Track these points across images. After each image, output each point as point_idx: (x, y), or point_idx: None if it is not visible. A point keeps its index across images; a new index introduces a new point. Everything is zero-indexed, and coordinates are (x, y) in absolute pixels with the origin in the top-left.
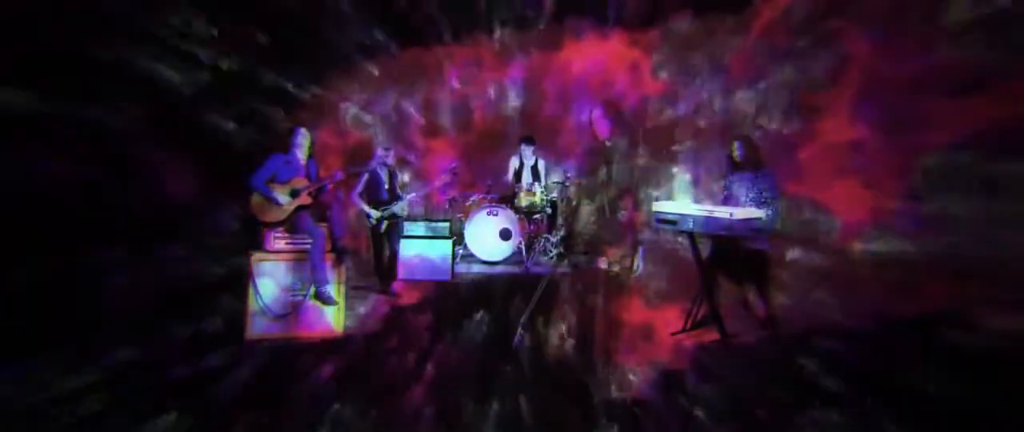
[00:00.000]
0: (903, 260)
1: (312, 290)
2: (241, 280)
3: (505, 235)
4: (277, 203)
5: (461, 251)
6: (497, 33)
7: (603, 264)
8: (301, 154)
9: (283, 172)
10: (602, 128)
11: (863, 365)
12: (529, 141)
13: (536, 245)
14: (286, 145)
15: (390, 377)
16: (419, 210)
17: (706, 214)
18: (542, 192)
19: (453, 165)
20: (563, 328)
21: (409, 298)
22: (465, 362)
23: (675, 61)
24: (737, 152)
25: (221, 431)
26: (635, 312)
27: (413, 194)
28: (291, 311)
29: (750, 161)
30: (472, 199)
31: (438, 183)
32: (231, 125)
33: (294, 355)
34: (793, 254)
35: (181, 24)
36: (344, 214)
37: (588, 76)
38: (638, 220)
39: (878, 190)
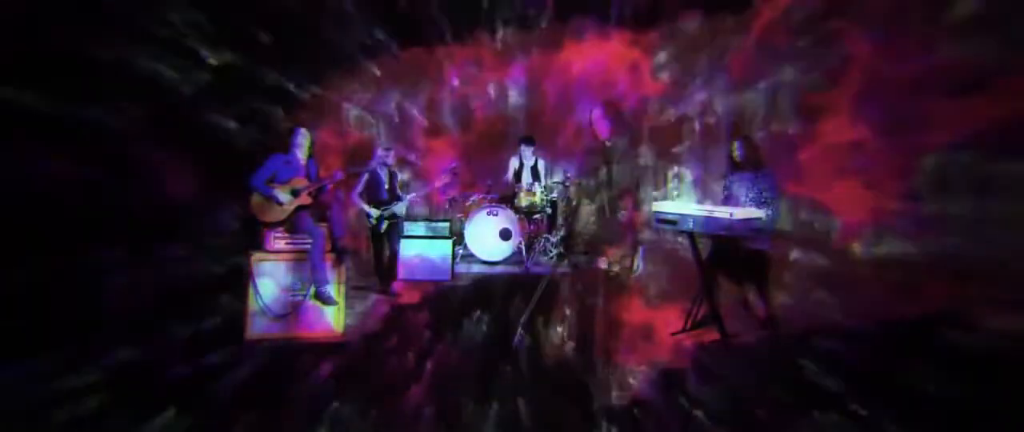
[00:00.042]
0: (903, 260)
1: (312, 290)
2: (241, 280)
3: (505, 235)
4: (278, 202)
5: (461, 251)
6: (498, 33)
7: (603, 264)
8: (301, 154)
9: (283, 172)
10: (602, 128)
11: (863, 365)
12: (529, 141)
13: (536, 245)
14: (286, 145)
15: (390, 377)
16: (423, 210)
17: (706, 214)
18: (542, 192)
19: (453, 165)
20: (563, 328)
21: (409, 298)
22: (465, 362)
23: (676, 61)
24: (737, 152)
25: (221, 431)
26: (635, 312)
27: (413, 194)
28: (291, 311)
29: (750, 161)
30: (472, 199)
31: (438, 184)
32: (232, 124)
33: (294, 355)
34: (793, 254)
35: (181, 23)
36: (344, 214)
37: (589, 76)
38: (638, 220)
39: (878, 190)
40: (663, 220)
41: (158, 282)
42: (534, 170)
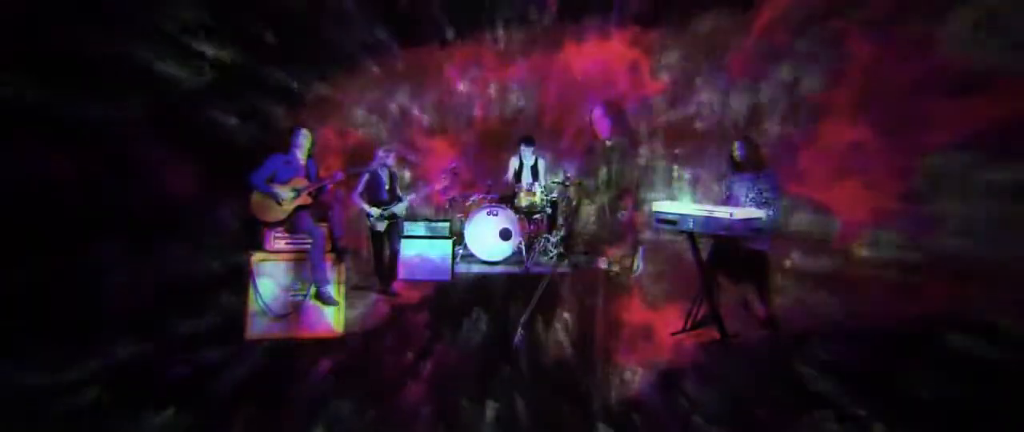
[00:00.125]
0: (903, 260)
1: (312, 290)
2: (241, 279)
3: (505, 235)
4: (279, 199)
5: (461, 251)
6: (500, 33)
7: (603, 264)
8: (301, 154)
9: (283, 172)
10: (602, 127)
11: (863, 366)
12: (529, 141)
13: (536, 245)
14: (286, 145)
15: (390, 377)
16: (429, 210)
17: (706, 214)
18: (542, 192)
19: (453, 165)
20: (563, 328)
21: (409, 298)
22: (465, 362)
23: (677, 61)
24: (738, 152)
25: (221, 430)
26: (635, 312)
27: (413, 195)
28: (291, 311)
29: (751, 161)
30: (472, 199)
31: (438, 186)
32: (232, 122)
33: (294, 355)
34: (793, 255)
35: (183, 20)
36: (344, 214)
37: (590, 76)
38: (638, 220)
39: (879, 191)
40: (663, 220)
41: (158, 280)
42: (534, 170)
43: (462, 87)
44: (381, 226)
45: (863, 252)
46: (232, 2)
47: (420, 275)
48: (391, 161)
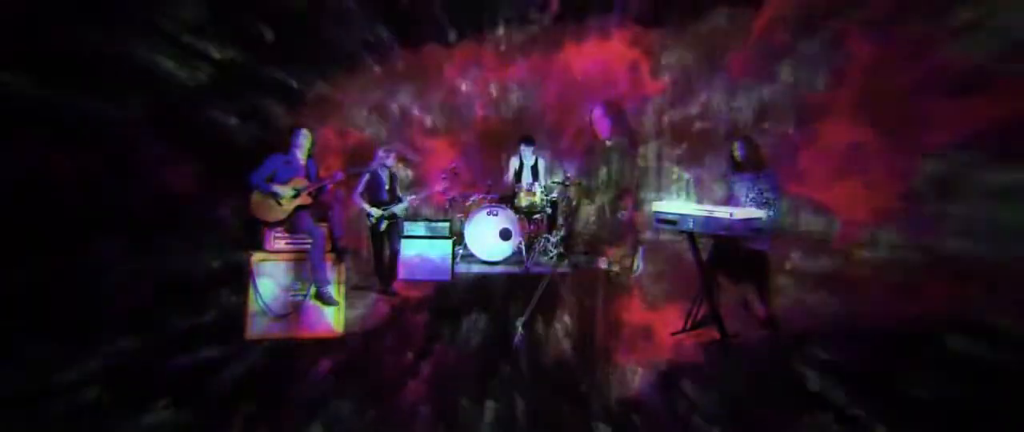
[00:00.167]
0: (903, 261)
1: (313, 290)
2: (241, 277)
3: (505, 235)
4: (279, 197)
5: (461, 251)
6: (500, 32)
7: (603, 264)
8: (301, 155)
9: (282, 172)
10: (602, 127)
11: (863, 366)
12: (528, 141)
13: (536, 245)
14: (286, 144)
15: (390, 377)
16: (428, 210)
17: (706, 214)
18: (542, 192)
19: (452, 165)
20: (563, 328)
21: (409, 298)
22: (465, 362)
23: (677, 61)
24: (738, 152)
25: (221, 430)
26: (635, 312)
27: (413, 197)
28: (291, 311)
29: (751, 161)
30: (472, 199)
31: (438, 188)
32: (233, 121)
33: (294, 354)
34: (794, 255)
35: (183, 19)
36: (344, 214)
37: (590, 76)
38: (638, 220)
39: (879, 191)
40: (663, 220)
41: (158, 279)
42: (534, 170)
43: (462, 87)
44: (382, 226)
45: (863, 252)
46: (232, 1)
47: (420, 275)
48: (391, 161)
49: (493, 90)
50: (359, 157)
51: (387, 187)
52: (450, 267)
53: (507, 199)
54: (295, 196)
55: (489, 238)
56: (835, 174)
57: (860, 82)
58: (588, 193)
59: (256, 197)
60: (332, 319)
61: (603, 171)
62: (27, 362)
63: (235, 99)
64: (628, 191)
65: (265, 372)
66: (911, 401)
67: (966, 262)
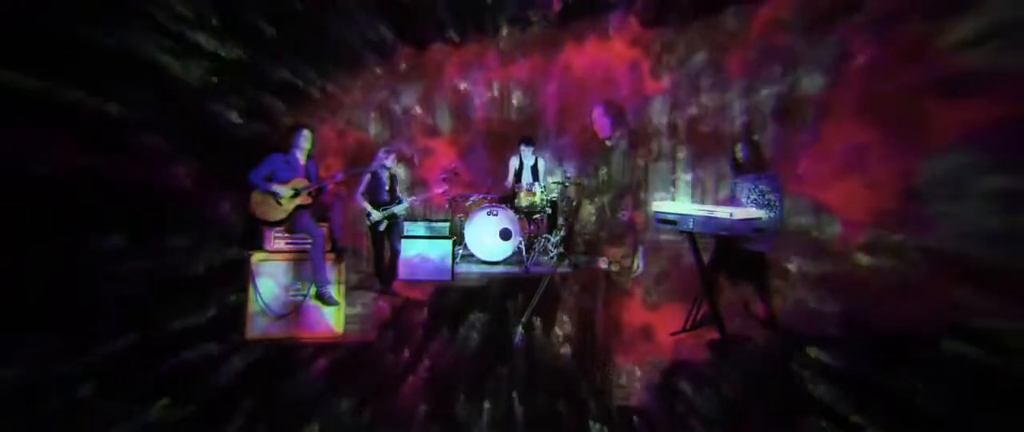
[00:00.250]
0: (904, 262)
1: (312, 290)
2: (240, 274)
3: (505, 235)
4: (278, 197)
5: (461, 251)
6: (501, 32)
7: (603, 264)
8: (301, 155)
9: (282, 172)
10: (602, 128)
11: (863, 367)
12: (528, 141)
13: (536, 245)
14: (287, 144)
15: (389, 377)
16: (435, 210)
17: (706, 214)
18: (542, 192)
19: (451, 166)
20: (563, 328)
21: (409, 298)
22: (465, 362)
23: (678, 61)
24: (740, 153)
25: (220, 430)
26: (635, 312)
27: (413, 198)
28: (291, 311)
29: (752, 162)
30: (472, 199)
31: (438, 190)
32: (234, 118)
33: (294, 354)
34: (794, 255)
35: (185, 15)
36: (344, 214)
37: (591, 76)
38: (638, 220)
39: (879, 191)
40: (663, 220)
41: (157, 277)
42: (534, 170)
43: (463, 87)
44: (381, 226)
45: (863, 252)
46: None
47: (420, 275)
48: (391, 161)
49: (493, 90)
50: (359, 157)
51: (387, 187)
52: (450, 267)
53: (507, 199)
54: (294, 196)
55: (489, 238)
56: (835, 174)
57: (861, 82)
58: (588, 193)
59: (256, 196)
60: (332, 319)
61: (603, 171)
62: (26, 359)
63: (237, 96)
64: (628, 191)
65: (265, 372)
66: (911, 402)
67: (967, 263)
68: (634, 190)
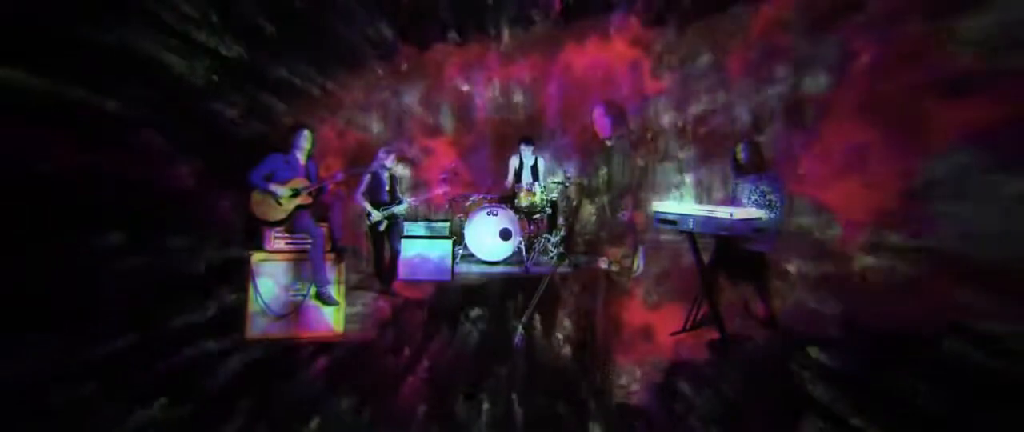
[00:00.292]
0: (905, 262)
1: (312, 290)
2: (240, 275)
3: (505, 235)
4: (277, 196)
5: (461, 251)
6: (501, 32)
7: (603, 264)
8: (301, 156)
9: (282, 172)
10: (602, 128)
11: (863, 367)
12: (528, 141)
13: (536, 245)
14: (287, 144)
15: (389, 377)
16: (436, 211)
17: (706, 214)
18: (542, 192)
19: (451, 166)
20: (563, 328)
21: (409, 298)
22: (464, 362)
23: (679, 61)
24: (741, 154)
25: (220, 430)
26: (635, 312)
27: (413, 199)
28: (291, 311)
29: (754, 163)
30: (472, 199)
31: (438, 191)
32: (234, 117)
33: (294, 354)
34: (794, 255)
35: (185, 14)
36: (344, 214)
37: (591, 76)
38: (638, 220)
39: (880, 191)
40: (663, 220)
41: (157, 276)
42: (534, 170)
43: (463, 87)
44: (381, 226)
45: (864, 252)
46: None
47: (420, 275)
48: (391, 162)
49: (493, 90)
50: (359, 157)
51: (387, 188)
52: (450, 267)
53: (507, 199)
54: (294, 196)
55: (489, 238)
56: (836, 174)
57: (862, 82)
58: (588, 193)
59: (256, 196)
60: (332, 319)
61: (603, 171)
62: (26, 359)
63: (237, 95)
64: (628, 191)
65: (265, 372)
66: (911, 403)
67: (967, 264)
68: (634, 190)
